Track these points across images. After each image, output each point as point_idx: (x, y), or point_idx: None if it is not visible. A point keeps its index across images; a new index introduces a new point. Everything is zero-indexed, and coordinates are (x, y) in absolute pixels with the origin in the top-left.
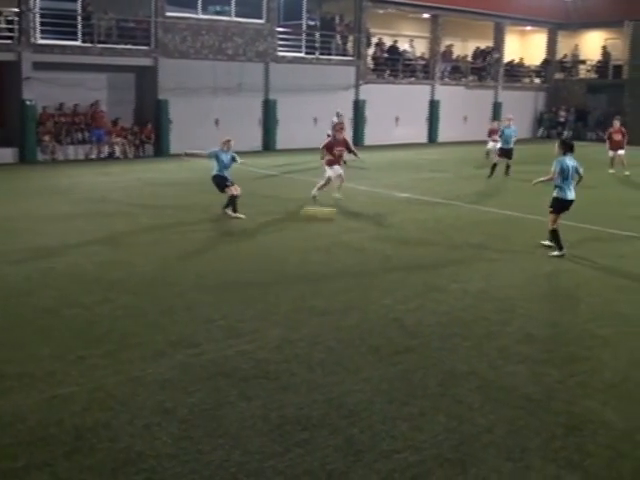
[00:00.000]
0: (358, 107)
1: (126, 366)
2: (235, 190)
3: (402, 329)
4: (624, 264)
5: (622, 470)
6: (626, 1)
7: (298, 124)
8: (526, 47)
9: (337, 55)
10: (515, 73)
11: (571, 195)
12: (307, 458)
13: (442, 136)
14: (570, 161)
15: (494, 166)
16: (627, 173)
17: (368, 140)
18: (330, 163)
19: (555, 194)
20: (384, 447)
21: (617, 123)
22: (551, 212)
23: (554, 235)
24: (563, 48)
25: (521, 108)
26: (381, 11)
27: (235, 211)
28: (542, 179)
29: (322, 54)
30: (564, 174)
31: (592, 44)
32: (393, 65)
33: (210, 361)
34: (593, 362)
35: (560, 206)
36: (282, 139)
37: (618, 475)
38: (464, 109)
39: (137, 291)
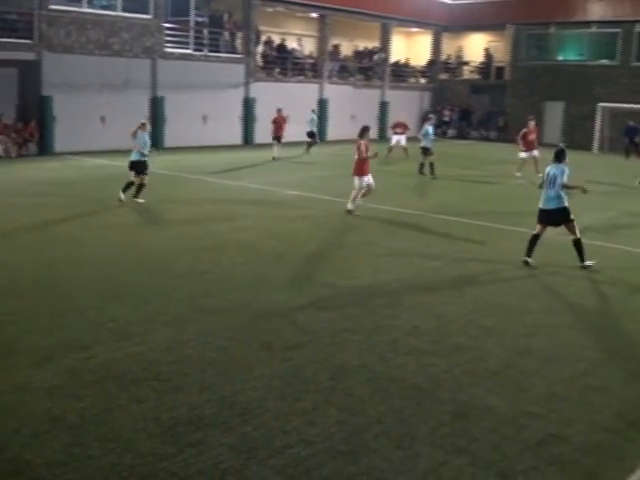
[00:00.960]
0: (248, 105)
1: (11, 373)
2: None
3: (293, 325)
4: (508, 257)
5: (507, 452)
6: (507, 5)
7: (187, 122)
8: (412, 48)
9: (226, 52)
10: (401, 73)
11: (540, 203)
12: (200, 458)
13: (331, 134)
14: (551, 169)
15: (422, 165)
16: (518, 174)
17: (258, 138)
18: (363, 172)
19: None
20: (277, 443)
21: (532, 123)
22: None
23: (531, 240)
24: (447, 49)
25: (407, 107)
26: (270, 9)
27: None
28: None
29: (211, 51)
30: (543, 181)
31: (475, 46)
32: (282, 63)
33: (99, 365)
34: (477, 351)
35: (539, 214)
36: (170, 137)
37: (503, 457)
38: (352, 108)
39: (22, 295)
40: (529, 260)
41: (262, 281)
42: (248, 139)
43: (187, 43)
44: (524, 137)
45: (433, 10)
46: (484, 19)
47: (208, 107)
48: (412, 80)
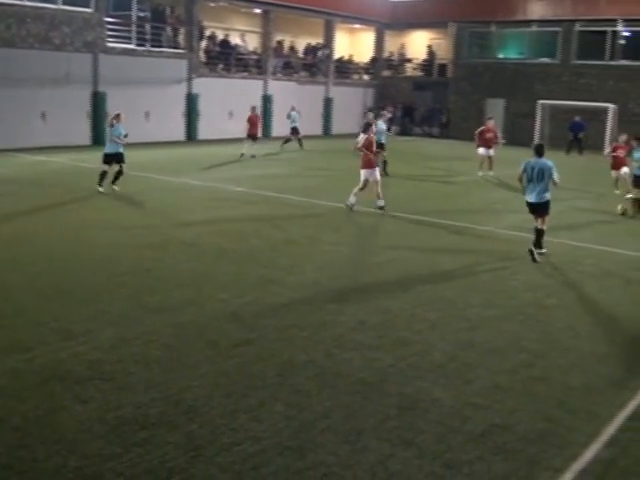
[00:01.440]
0: (191, 101)
1: None
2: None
3: (239, 322)
4: (450, 251)
5: (452, 443)
6: (449, 4)
7: (129, 118)
8: (355, 44)
9: (169, 48)
10: (345, 70)
11: (530, 198)
12: (147, 457)
13: (275, 130)
14: (536, 163)
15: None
16: (482, 173)
17: (202, 134)
18: (371, 165)
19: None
20: (224, 440)
21: (491, 122)
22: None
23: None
24: (390, 46)
25: (351, 104)
26: (213, 4)
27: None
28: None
29: (153, 46)
30: (527, 176)
31: (418, 43)
32: (226, 59)
33: (43, 365)
34: (422, 345)
35: (527, 206)
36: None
37: (448, 448)
38: (297, 104)
39: None
40: (543, 251)
41: (207, 278)
42: (191, 135)
43: (129, 38)
44: (481, 134)
45: (376, 7)
46: (426, 17)
47: (151, 103)
48: (356, 77)
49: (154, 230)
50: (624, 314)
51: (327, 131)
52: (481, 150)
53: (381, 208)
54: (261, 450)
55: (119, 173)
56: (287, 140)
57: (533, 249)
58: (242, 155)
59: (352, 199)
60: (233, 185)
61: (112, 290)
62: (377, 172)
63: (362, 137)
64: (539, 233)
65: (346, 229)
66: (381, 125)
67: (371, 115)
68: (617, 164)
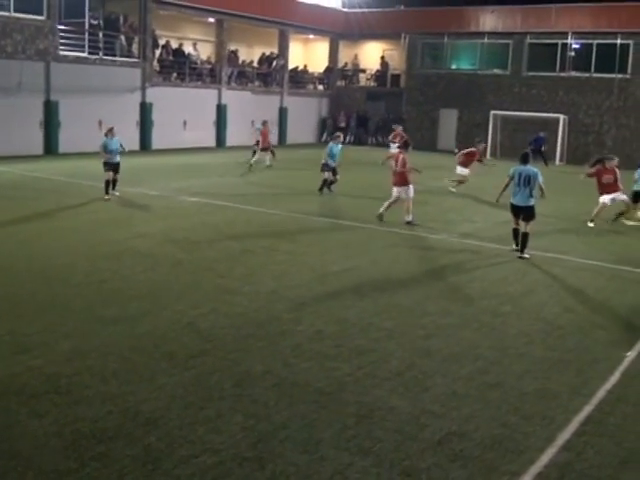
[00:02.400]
0: (145, 110)
1: None
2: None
3: (196, 333)
4: (405, 260)
5: (410, 451)
6: (402, 16)
7: (83, 127)
8: (310, 55)
9: (122, 56)
10: (299, 79)
11: (515, 200)
12: (104, 471)
13: (230, 140)
14: (524, 170)
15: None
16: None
17: (156, 144)
18: (406, 182)
19: (510, 199)
20: (182, 453)
21: (482, 146)
22: (511, 213)
23: (513, 233)
24: (344, 57)
25: (306, 114)
26: (166, 13)
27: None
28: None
29: (106, 55)
30: (515, 181)
31: (372, 54)
32: (180, 68)
33: None
34: (380, 353)
35: (511, 208)
36: (65, 142)
37: (406, 456)
38: (251, 114)
39: None
40: (515, 248)
41: (163, 289)
42: (146, 145)
43: (82, 46)
44: (469, 154)
45: (329, 18)
46: (380, 28)
47: (104, 112)
48: (310, 87)
49: (109, 240)
50: (576, 321)
51: (282, 141)
52: (463, 170)
53: (409, 223)
54: (220, 462)
55: (114, 181)
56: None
57: (518, 251)
58: (250, 166)
59: (383, 210)
60: (188, 195)
61: (67, 302)
62: (411, 189)
63: (394, 151)
64: (524, 237)
65: (302, 239)
66: (332, 148)
67: (400, 128)
68: (607, 189)
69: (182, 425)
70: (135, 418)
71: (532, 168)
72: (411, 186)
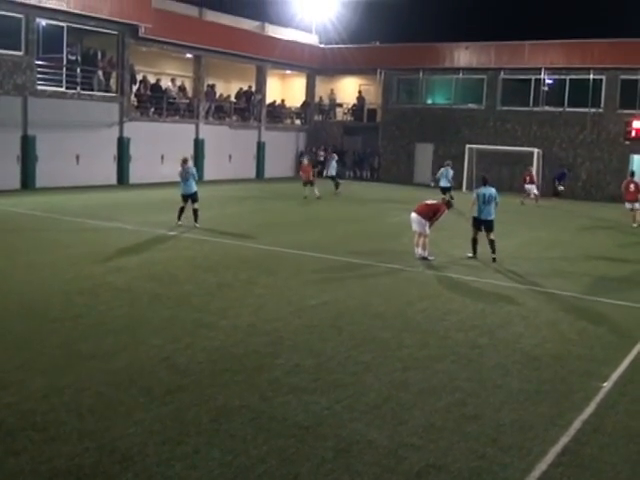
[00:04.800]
0: (122, 145)
1: None
2: None
3: (173, 368)
4: (381, 292)
5: None
6: (378, 52)
7: (60, 161)
8: (287, 89)
9: (100, 91)
10: (277, 114)
11: (482, 216)
12: None
13: (208, 174)
14: (486, 190)
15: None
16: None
17: (133, 178)
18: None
19: (473, 214)
20: None
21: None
22: (472, 226)
23: (473, 243)
24: (321, 91)
25: (284, 148)
26: (144, 49)
27: None
28: (471, 205)
29: (84, 89)
30: (479, 200)
31: (348, 89)
32: (157, 103)
33: None
34: (357, 386)
35: (474, 223)
36: (42, 177)
37: None
38: (229, 148)
39: None
40: (471, 255)
41: (139, 324)
42: (123, 179)
43: (60, 81)
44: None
45: (306, 53)
46: (356, 63)
47: (81, 146)
48: (288, 121)
49: (85, 275)
50: (552, 352)
51: (260, 175)
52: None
53: (423, 258)
54: None
55: (195, 211)
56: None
57: (471, 255)
58: (305, 197)
59: (421, 251)
60: (166, 229)
61: (42, 337)
62: (427, 226)
63: (434, 203)
64: (492, 243)
65: (280, 272)
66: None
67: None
68: None
69: (159, 461)
70: (112, 455)
71: (492, 189)
72: (429, 222)
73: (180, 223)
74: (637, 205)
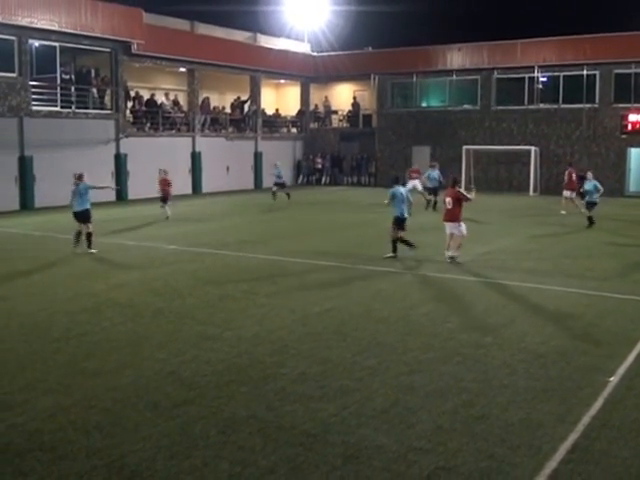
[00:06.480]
0: (120, 161)
1: None
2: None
3: (178, 382)
4: (383, 297)
5: None
6: (370, 57)
7: (57, 181)
8: (282, 99)
9: (95, 109)
10: (273, 124)
11: (397, 213)
12: None
13: (206, 187)
14: (400, 190)
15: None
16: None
17: (132, 194)
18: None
19: (394, 213)
20: None
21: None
22: (392, 225)
23: (394, 243)
24: (316, 99)
25: (281, 157)
26: (137, 65)
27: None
28: (385, 202)
29: (79, 108)
30: (395, 199)
31: (343, 95)
32: (153, 118)
33: None
34: (364, 392)
35: (395, 221)
36: (40, 197)
37: None
38: (226, 160)
39: None
40: (392, 255)
41: (143, 339)
42: (122, 195)
43: (54, 100)
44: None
45: (299, 62)
46: (349, 70)
47: (79, 165)
48: (284, 130)
49: (87, 293)
50: (557, 349)
51: (258, 185)
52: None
53: (452, 258)
54: None
55: (88, 235)
56: (274, 193)
57: (392, 255)
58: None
59: (451, 251)
60: (166, 243)
61: (47, 357)
62: (463, 227)
63: (461, 191)
64: (401, 240)
65: (282, 281)
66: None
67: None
68: None
69: (168, 476)
70: (120, 471)
71: (403, 188)
72: (462, 223)
73: (77, 250)
74: (574, 194)
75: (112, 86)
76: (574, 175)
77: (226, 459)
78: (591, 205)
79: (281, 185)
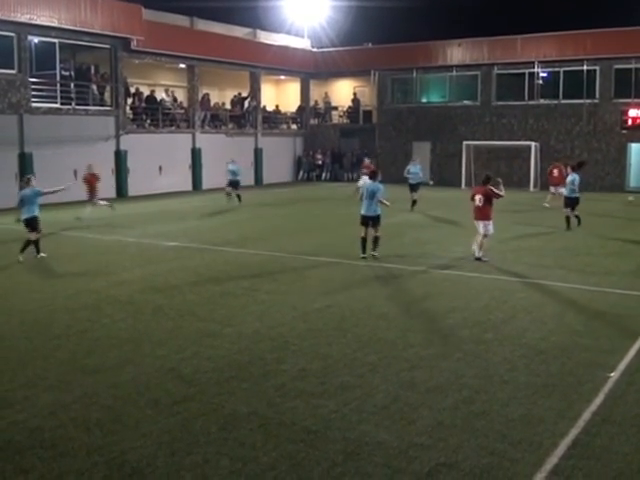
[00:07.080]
0: (120, 158)
1: None
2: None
3: (179, 378)
4: (384, 293)
5: None
6: (370, 53)
7: (57, 177)
8: (282, 95)
9: (94, 105)
10: (273, 120)
11: (363, 211)
12: None
13: (206, 183)
14: (370, 186)
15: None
16: None
17: (132, 190)
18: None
19: (361, 211)
20: None
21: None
22: (361, 224)
23: (362, 242)
24: (316, 95)
25: (281, 153)
26: (137, 61)
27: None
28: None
29: (79, 104)
30: (365, 194)
31: (343, 91)
32: (153, 114)
33: None
34: (364, 388)
35: (361, 220)
36: None
37: None
38: (226, 156)
39: None
40: (364, 256)
41: (144, 336)
42: (122, 192)
43: (54, 97)
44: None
45: (299, 58)
46: (349, 66)
47: (79, 161)
48: (284, 126)
49: (88, 290)
50: (558, 345)
51: (258, 181)
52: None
53: (478, 259)
54: None
55: (37, 241)
56: (228, 194)
57: (363, 256)
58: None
59: (477, 252)
60: (166, 240)
61: (47, 354)
62: (491, 225)
63: (494, 189)
64: (376, 239)
65: (283, 278)
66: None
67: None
68: None
69: (169, 473)
70: (121, 468)
71: (376, 184)
72: (491, 221)
73: (21, 258)
74: (560, 189)
75: (112, 82)
76: (556, 171)
77: (227, 455)
78: (570, 201)
79: (235, 184)
